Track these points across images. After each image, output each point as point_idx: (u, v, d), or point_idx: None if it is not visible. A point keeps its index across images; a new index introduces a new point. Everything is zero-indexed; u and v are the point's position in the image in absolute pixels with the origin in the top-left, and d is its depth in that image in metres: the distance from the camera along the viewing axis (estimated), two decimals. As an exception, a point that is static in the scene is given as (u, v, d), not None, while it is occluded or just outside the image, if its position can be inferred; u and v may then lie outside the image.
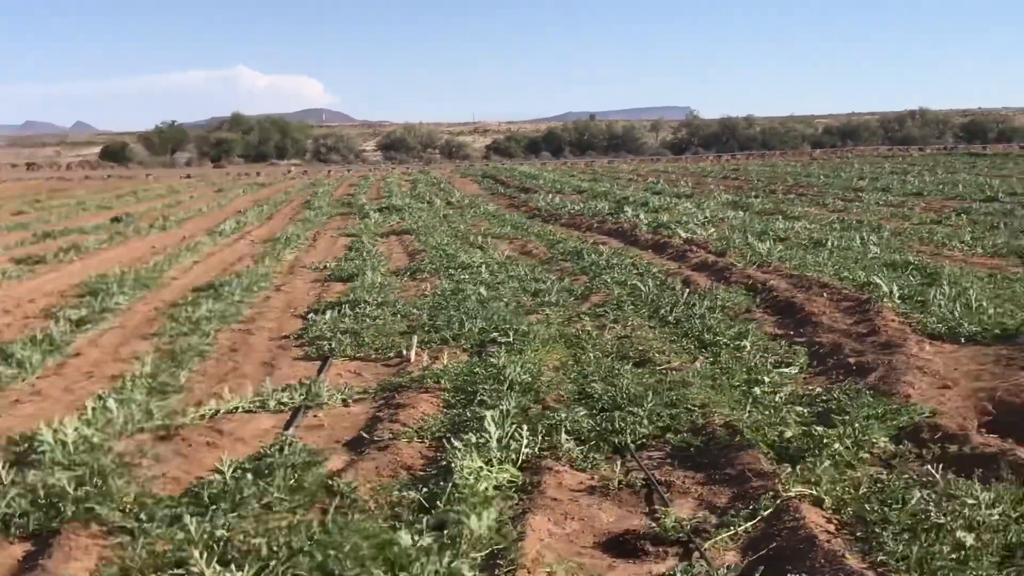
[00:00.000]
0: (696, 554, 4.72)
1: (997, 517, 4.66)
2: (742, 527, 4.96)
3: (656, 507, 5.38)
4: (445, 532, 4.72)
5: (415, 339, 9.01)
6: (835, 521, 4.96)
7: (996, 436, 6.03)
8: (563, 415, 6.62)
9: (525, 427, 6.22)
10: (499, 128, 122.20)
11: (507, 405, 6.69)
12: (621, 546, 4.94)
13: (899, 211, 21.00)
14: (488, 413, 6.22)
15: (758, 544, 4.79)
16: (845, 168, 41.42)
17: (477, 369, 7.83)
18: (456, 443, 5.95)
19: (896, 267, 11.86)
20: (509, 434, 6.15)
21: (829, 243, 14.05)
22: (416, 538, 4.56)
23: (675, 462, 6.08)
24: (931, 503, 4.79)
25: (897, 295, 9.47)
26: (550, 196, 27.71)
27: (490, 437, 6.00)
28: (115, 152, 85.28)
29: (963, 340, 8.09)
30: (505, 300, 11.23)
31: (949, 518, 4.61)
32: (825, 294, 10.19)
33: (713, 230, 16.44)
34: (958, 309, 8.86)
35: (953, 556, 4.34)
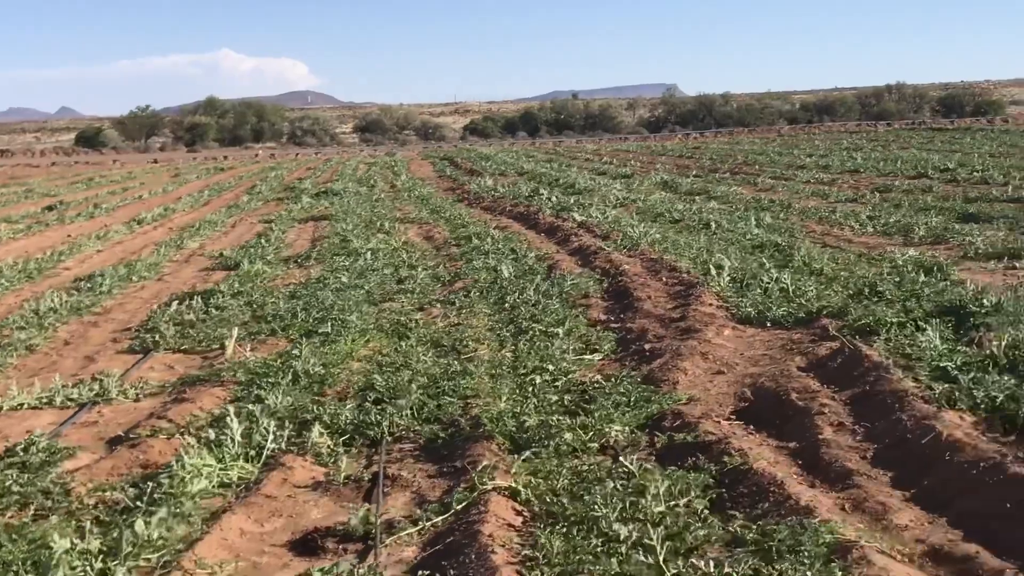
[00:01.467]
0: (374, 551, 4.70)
1: (664, 508, 4.65)
2: (430, 522, 4.94)
3: (373, 503, 5.35)
4: (114, 535, 4.69)
5: (235, 331, 8.95)
6: (525, 514, 4.94)
7: (740, 423, 6.02)
8: (325, 408, 6.58)
9: (273, 422, 6.20)
10: (480, 109, 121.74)
11: (274, 399, 6.65)
12: (307, 544, 4.92)
13: (823, 189, 20.96)
14: (231, 407, 6.19)
15: (439, 539, 4.77)
16: (803, 145, 41.28)
17: (273, 361, 7.78)
18: (190, 439, 5.92)
19: (764, 248, 11.82)
20: (259, 429, 6.13)
21: (713, 225, 13.97)
22: (76, 542, 4.54)
23: (420, 454, 6.06)
24: (598, 495, 4.77)
25: (727, 278, 9.42)
26: (488, 179, 27.60)
27: (232, 433, 5.96)
28: (90, 138, 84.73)
29: (768, 324, 8.06)
30: (367, 288, 11.17)
31: (607, 510, 4.59)
32: (666, 278, 10.14)
33: (614, 213, 16.38)
34: (776, 293, 8.82)
35: (600, 549, 4.32)
